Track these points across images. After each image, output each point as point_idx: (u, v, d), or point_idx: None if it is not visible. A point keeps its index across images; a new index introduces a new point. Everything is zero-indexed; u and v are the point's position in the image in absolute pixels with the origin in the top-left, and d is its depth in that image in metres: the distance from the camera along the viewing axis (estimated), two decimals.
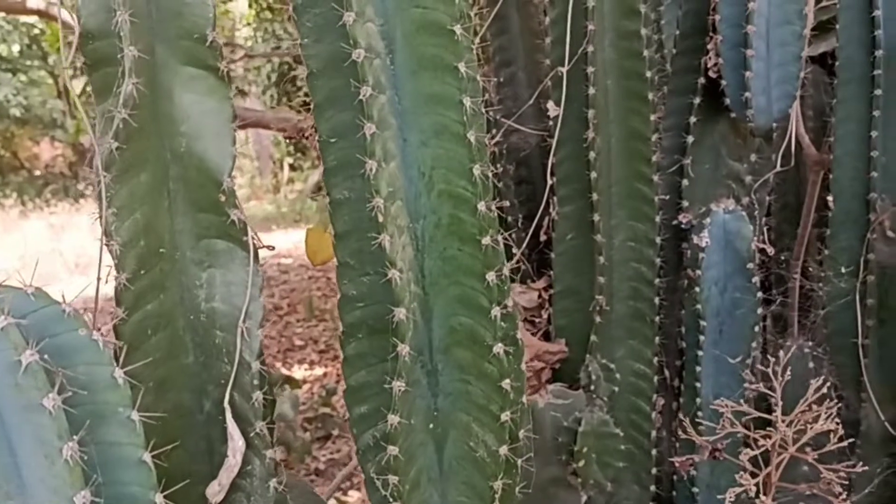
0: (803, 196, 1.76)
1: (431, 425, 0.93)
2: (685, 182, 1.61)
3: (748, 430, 1.09)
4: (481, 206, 0.87)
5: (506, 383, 0.90)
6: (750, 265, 1.46)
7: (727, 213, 1.46)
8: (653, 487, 1.65)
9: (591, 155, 1.52)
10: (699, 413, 1.57)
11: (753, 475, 1.29)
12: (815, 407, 1.07)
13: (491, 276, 0.89)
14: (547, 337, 1.70)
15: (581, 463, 1.46)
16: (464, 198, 0.87)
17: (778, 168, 1.61)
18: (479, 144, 0.87)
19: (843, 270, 1.59)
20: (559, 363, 1.67)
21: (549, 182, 1.58)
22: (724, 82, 1.50)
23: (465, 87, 0.86)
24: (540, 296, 1.67)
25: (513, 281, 1.70)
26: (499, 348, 0.89)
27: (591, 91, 1.50)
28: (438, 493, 0.94)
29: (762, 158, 1.59)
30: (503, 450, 0.91)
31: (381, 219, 0.83)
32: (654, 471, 1.65)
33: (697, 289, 1.48)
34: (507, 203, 1.72)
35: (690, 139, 1.59)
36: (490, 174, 0.91)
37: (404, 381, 0.86)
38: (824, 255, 1.63)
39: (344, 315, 0.93)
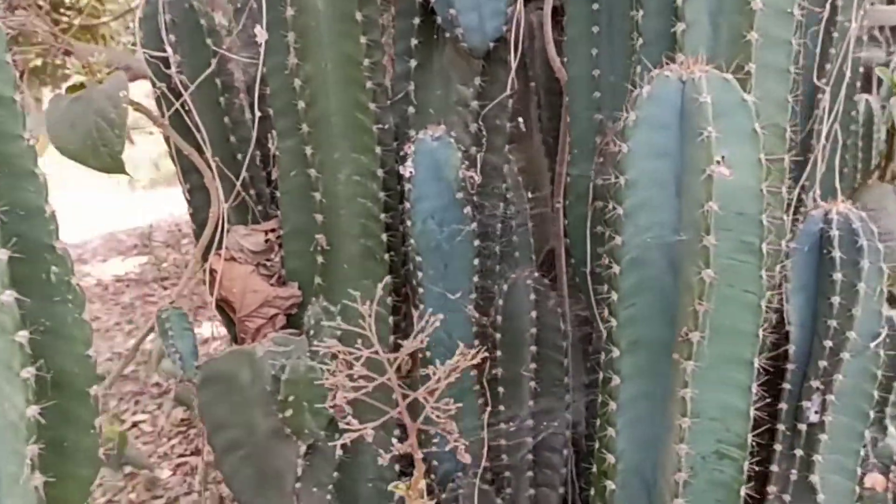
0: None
1: None
2: (410, 109, 1.51)
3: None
4: None
5: (21, 335, 0.79)
6: (460, 195, 1.37)
7: (435, 140, 1.36)
8: (397, 432, 1.58)
9: (297, 83, 1.41)
10: (428, 352, 1.50)
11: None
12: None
13: None
14: (282, 281, 1.60)
15: (289, 412, 1.37)
16: None
17: (509, 91, 1.51)
18: None
19: (579, 199, 1.52)
20: (294, 308, 1.58)
21: (261, 115, 1.46)
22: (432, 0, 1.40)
23: None
24: (267, 238, 1.56)
25: (241, 223, 1.60)
26: (7, 297, 0.78)
27: (290, 12, 1.38)
28: None
29: (486, 82, 1.49)
30: (31, 410, 0.80)
31: None
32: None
33: (409, 223, 1.39)
34: (233, 139, 1.60)
35: (413, 63, 1.49)
36: None
37: None
38: (567, 184, 1.56)
39: None
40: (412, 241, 1.40)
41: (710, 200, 0.97)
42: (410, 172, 1.34)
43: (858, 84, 1.93)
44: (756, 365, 1.08)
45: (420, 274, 1.42)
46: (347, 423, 0.91)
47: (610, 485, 1.12)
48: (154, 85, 1.52)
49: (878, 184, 2.11)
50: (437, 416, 0.98)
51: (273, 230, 1.57)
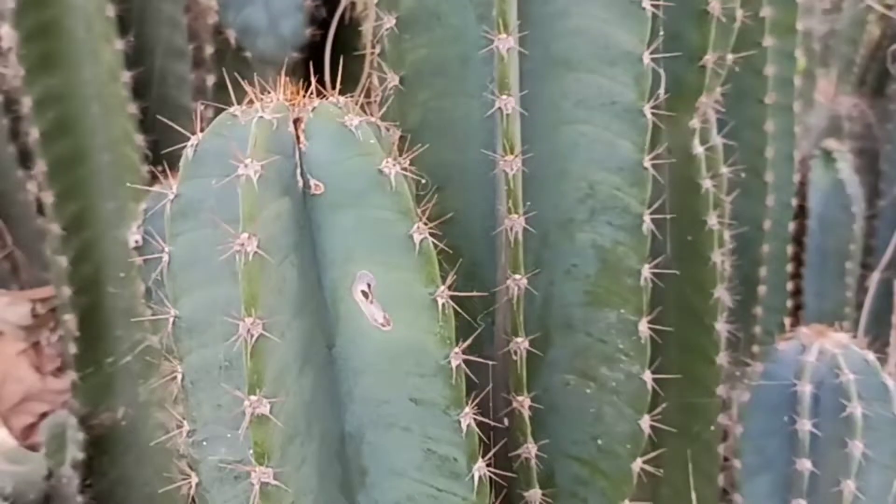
0: None
1: None
2: None
3: None
4: None
5: None
6: None
7: None
8: None
9: (27, 102, 1.00)
10: None
11: None
12: None
13: None
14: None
15: None
16: None
17: None
18: None
19: None
20: None
21: None
22: None
23: None
24: (35, 310, 1.17)
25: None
26: None
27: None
28: None
29: None
30: None
31: None
32: None
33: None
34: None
35: (212, 79, 1.04)
36: None
37: None
38: None
39: None
40: None
41: (358, 372, 0.47)
42: (136, 242, 0.89)
43: None
44: None
45: None
46: None
47: None
48: None
49: None
50: None
51: (45, 299, 1.17)
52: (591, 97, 0.61)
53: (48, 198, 1.02)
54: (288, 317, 0.45)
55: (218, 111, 0.95)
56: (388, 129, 0.50)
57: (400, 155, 0.55)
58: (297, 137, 0.46)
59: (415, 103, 0.59)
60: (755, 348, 1.19)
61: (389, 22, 0.58)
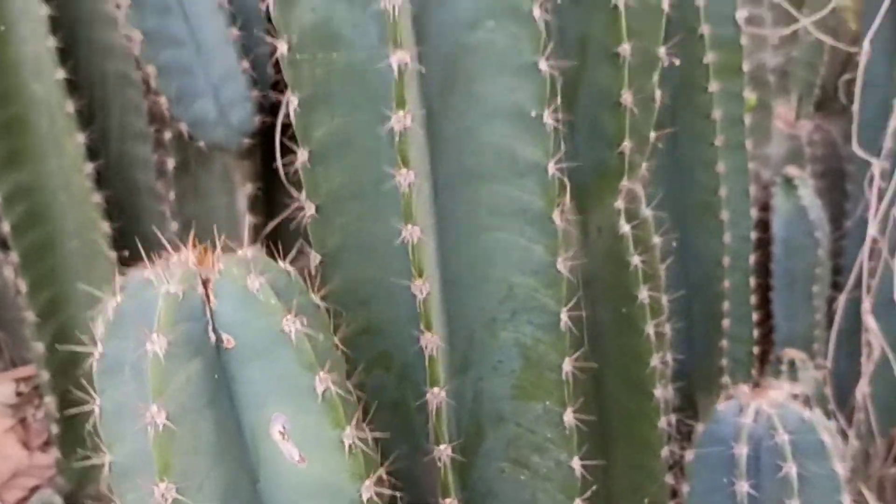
0: None
1: None
2: (174, 226, 1.10)
3: None
4: None
5: None
6: None
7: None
8: None
9: None
10: None
11: None
12: None
13: None
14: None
15: None
16: None
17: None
18: None
19: None
20: None
21: None
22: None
23: None
24: (19, 389, 1.21)
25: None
26: None
27: None
28: None
29: (262, 190, 1.06)
30: None
31: None
32: None
33: None
34: None
35: (171, 162, 1.08)
36: None
37: None
38: None
39: None
40: None
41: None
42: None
43: None
44: None
45: None
46: None
47: None
48: None
49: None
50: None
51: (28, 378, 1.21)
52: (503, 205, 0.65)
53: (23, 286, 1.06)
54: (205, 469, 0.49)
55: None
56: (297, 273, 0.54)
57: (319, 281, 0.60)
58: (207, 297, 0.49)
59: (333, 228, 0.63)
60: (724, 379, 1.22)
61: (302, 156, 0.61)
